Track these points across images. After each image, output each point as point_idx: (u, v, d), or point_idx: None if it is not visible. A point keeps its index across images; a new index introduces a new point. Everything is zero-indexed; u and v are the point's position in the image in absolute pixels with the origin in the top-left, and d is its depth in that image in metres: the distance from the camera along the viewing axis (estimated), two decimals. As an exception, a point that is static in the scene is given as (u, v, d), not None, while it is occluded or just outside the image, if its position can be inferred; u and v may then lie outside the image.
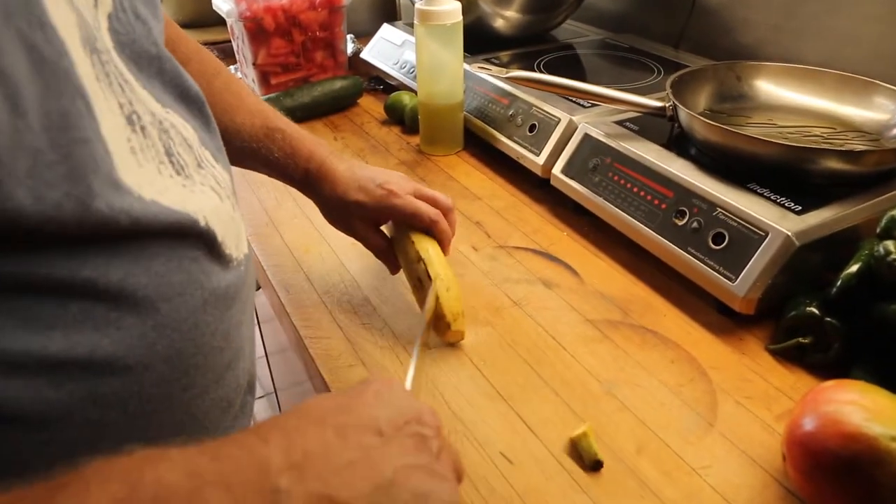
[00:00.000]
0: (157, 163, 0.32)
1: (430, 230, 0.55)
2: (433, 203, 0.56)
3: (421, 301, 0.53)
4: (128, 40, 0.34)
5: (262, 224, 0.72)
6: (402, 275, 0.60)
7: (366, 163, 0.84)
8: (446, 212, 0.56)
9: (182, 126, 0.36)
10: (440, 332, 0.52)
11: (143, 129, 0.32)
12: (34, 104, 0.24)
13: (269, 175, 0.58)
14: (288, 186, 0.60)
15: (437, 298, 0.51)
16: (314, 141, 0.58)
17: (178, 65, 0.38)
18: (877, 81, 0.65)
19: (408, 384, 0.39)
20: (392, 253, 0.57)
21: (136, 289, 0.29)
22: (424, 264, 0.53)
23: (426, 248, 0.54)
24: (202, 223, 0.33)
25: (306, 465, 0.25)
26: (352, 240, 0.59)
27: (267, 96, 0.97)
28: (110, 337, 0.28)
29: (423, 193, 0.56)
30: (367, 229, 0.57)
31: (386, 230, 0.58)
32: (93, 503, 0.20)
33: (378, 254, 0.58)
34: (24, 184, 0.24)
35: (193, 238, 0.33)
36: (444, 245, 0.56)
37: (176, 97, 0.37)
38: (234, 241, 0.37)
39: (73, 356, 0.27)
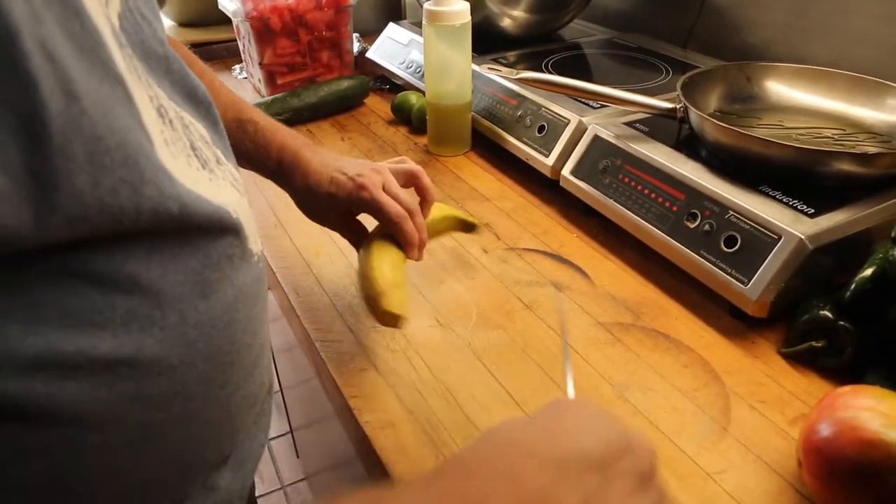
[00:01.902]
0: (185, 155, 0.32)
1: (394, 229, 0.52)
2: (397, 200, 0.53)
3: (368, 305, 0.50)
4: (137, 40, 0.34)
5: (270, 226, 0.72)
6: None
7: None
8: (411, 213, 0.53)
9: (197, 124, 0.36)
10: (376, 313, 0.49)
11: (171, 122, 0.32)
12: (85, 88, 0.24)
13: (247, 167, 0.57)
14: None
15: (368, 275, 0.49)
16: (288, 133, 0.57)
17: (184, 65, 0.38)
18: (889, 83, 0.65)
19: (570, 392, 0.38)
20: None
21: (174, 286, 0.29)
22: (362, 253, 0.51)
23: (379, 249, 0.51)
24: (233, 215, 0.34)
25: None
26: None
27: (273, 96, 0.97)
28: (154, 336, 0.28)
29: (390, 189, 0.53)
30: (339, 221, 0.57)
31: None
32: None
33: (355, 245, 0.57)
34: (84, 170, 0.24)
35: (227, 232, 0.33)
36: (407, 248, 0.52)
37: (184, 97, 0.37)
38: (253, 237, 0.38)
39: (122, 356, 0.27)
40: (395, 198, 0.53)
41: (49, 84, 0.23)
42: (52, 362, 0.25)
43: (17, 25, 0.22)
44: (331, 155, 0.57)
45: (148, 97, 0.30)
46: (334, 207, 0.55)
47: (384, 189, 0.53)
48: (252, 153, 0.56)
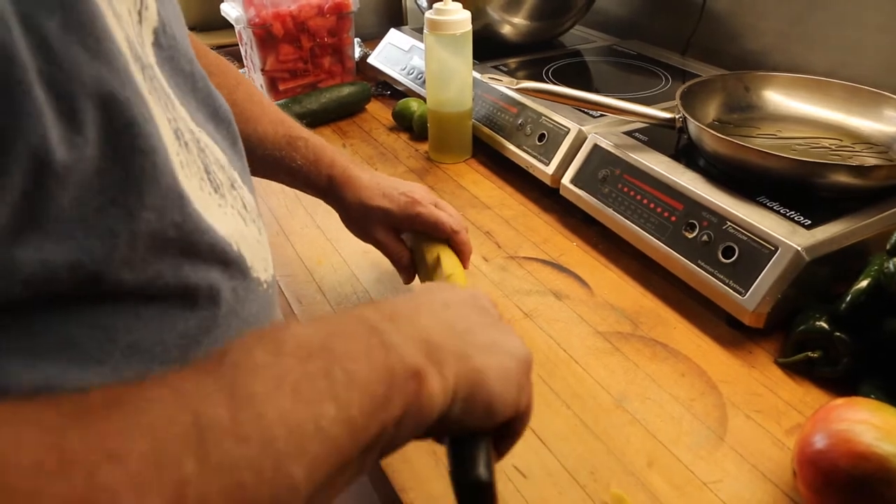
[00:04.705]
0: (198, 179, 0.32)
1: (450, 240, 0.56)
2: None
3: None
4: (168, 56, 0.34)
5: (273, 234, 0.73)
6: (413, 286, 0.61)
7: (375, 170, 0.85)
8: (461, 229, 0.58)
9: (213, 146, 0.36)
10: None
11: (186, 144, 0.32)
12: (94, 115, 0.24)
13: (291, 185, 0.59)
14: (300, 195, 0.61)
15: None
16: (335, 150, 0.59)
17: (209, 83, 0.38)
18: (886, 93, 0.65)
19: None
20: (409, 262, 0.58)
21: (177, 321, 0.29)
22: (442, 271, 0.53)
23: (446, 257, 0.55)
24: (234, 248, 0.34)
25: (397, 319, 0.28)
26: (363, 250, 0.60)
27: (275, 102, 0.97)
28: (155, 371, 0.28)
29: (442, 206, 0.57)
30: (388, 236, 0.57)
31: (405, 240, 0.59)
32: (258, 357, 0.23)
33: (396, 261, 0.58)
34: (70, 191, 0.24)
35: (230, 265, 0.33)
36: (463, 257, 0.56)
37: (207, 116, 0.38)
38: (261, 265, 0.37)
39: None
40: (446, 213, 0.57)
41: (50, 116, 0.23)
42: None
43: (25, 63, 0.22)
44: (379, 174, 0.59)
45: (167, 119, 0.30)
46: (386, 221, 0.56)
47: (436, 205, 0.57)
48: (302, 168, 0.57)
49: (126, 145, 0.26)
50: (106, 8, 0.26)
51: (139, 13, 0.31)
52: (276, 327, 0.26)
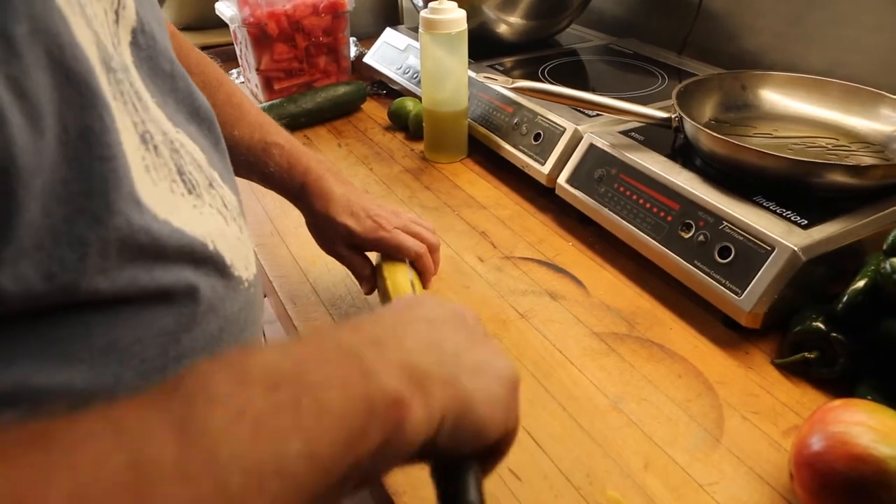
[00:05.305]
0: (169, 181, 0.32)
1: (413, 263, 0.56)
2: (419, 239, 0.57)
3: None
4: (146, 56, 0.33)
5: (267, 234, 0.72)
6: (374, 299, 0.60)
7: (370, 170, 0.85)
8: (432, 249, 0.58)
9: (192, 147, 0.36)
10: None
11: (155, 147, 0.31)
12: (53, 121, 0.24)
13: (268, 187, 0.59)
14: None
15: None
16: (313, 157, 0.58)
17: (190, 82, 0.38)
18: (883, 93, 0.65)
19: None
20: (370, 274, 0.57)
21: (155, 319, 0.29)
22: (386, 281, 0.54)
23: (394, 272, 0.55)
24: (210, 247, 0.33)
25: (381, 343, 0.27)
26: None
27: (270, 102, 0.97)
28: (134, 369, 0.28)
29: (410, 229, 0.57)
30: (348, 251, 0.57)
31: (372, 258, 0.58)
32: (218, 386, 0.21)
33: (356, 273, 0.58)
34: (37, 199, 0.24)
35: (205, 264, 0.33)
36: (424, 279, 0.57)
37: (187, 116, 0.37)
38: (242, 263, 0.37)
39: (98, 390, 0.27)
40: (417, 235, 0.57)
41: (18, 120, 0.22)
42: (25, 398, 0.25)
43: None
44: (354, 189, 0.58)
45: (132, 123, 0.30)
46: (349, 240, 0.56)
47: (404, 228, 0.56)
48: (275, 176, 0.57)
49: (85, 151, 0.25)
50: (72, 15, 0.26)
51: (116, 13, 0.31)
52: (242, 351, 0.24)
